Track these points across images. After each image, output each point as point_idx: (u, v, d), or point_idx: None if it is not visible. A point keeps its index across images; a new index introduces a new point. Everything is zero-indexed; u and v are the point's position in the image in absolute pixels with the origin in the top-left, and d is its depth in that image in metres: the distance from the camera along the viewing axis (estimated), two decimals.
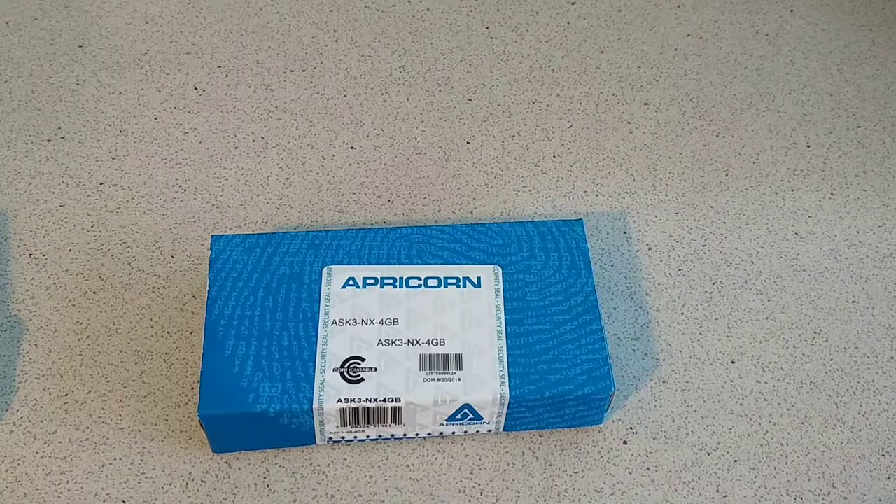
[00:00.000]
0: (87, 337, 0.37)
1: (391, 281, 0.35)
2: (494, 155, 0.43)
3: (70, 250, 0.40)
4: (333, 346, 0.34)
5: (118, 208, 0.42)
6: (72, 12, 0.50)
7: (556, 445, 0.35)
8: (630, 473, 0.34)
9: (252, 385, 0.32)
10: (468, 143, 0.44)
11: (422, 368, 0.33)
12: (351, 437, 0.34)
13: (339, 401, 0.32)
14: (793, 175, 0.43)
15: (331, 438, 0.34)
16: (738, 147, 0.43)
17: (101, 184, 0.42)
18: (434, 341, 0.34)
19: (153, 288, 0.39)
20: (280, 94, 0.46)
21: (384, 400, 0.32)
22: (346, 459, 0.34)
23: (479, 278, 0.35)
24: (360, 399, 0.32)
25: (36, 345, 0.37)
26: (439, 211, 0.41)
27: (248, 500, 0.33)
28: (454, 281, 0.35)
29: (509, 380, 0.33)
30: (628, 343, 0.37)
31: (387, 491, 0.34)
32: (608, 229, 0.41)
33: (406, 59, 0.47)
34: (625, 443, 0.35)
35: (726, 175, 0.43)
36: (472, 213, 0.41)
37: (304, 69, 0.47)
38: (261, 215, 0.41)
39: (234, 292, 0.35)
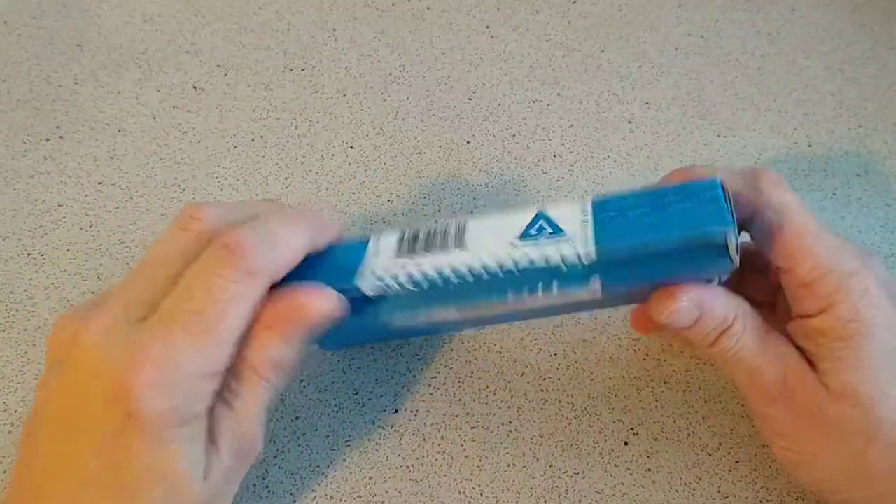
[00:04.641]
0: None
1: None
2: (494, 155, 0.43)
3: (68, 250, 0.40)
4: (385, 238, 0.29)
5: (117, 208, 0.41)
6: (70, 11, 0.49)
7: (556, 446, 0.34)
8: (631, 474, 0.34)
9: None
10: (468, 142, 0.44)
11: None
12: (403, 274, 0.28)
13: (399, 230, 0.29)
14: (794, 175, 0.42)
15: (376, 276, 0.28)
16: (739, 147, 0.43)
17: (99, 183, 0.42)
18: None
19: None
20: (279, 94, 0.46)
21: (447, 221, 0.28)
22: (345, 461, 0.34)
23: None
24: (419, 227, 0.29)
25: (34, 345, 0.37)
26: (439, 210, 0.41)
27: (248, 501, 0.33)
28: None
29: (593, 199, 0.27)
30: (629, 343, 0.37)
31: (386, 492, 0.34)
32: None
33: (406, 59, 0.47)
34: (626, 444, 0.34)
35: None
36: (471, 212, 0.41)
37: (303, 68, 0.47)
38: None
39: None
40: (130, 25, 0.49)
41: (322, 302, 0.28)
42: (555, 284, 0.27)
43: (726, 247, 0.25)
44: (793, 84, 0.46)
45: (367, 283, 0.28)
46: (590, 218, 0.27)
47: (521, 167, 0.43)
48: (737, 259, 0.26)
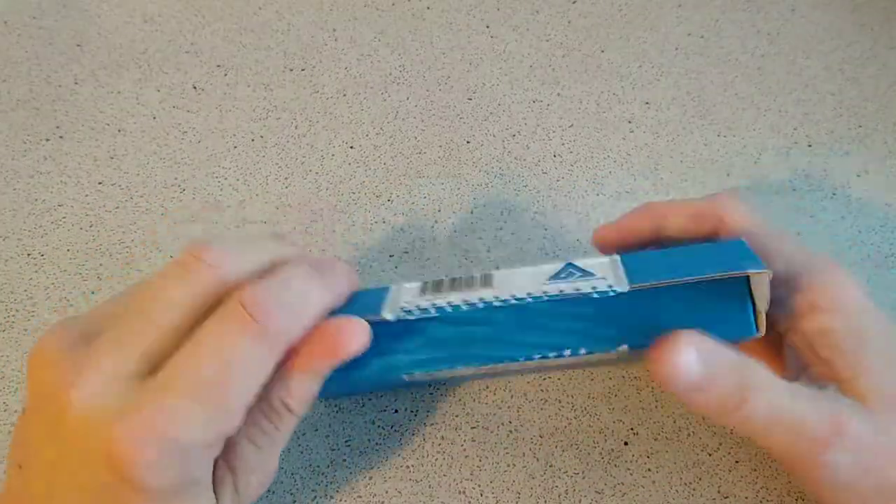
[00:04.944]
0: None
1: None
2: (494, 155, 0.43)
3: (68, 250, 0.40)
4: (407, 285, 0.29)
5: (117, 208, 0.41)
6: (70, 11, 0.49)
7: (556, 446, 0.34)
8: (631, 474, 0.34)
9: None
10: (468, 142, 0.44)
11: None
12: (427, 305, 0.27)
13: (421, 282, 0.28)
14: (794, 175, 0.42)
15: (403, 309, 0.27)
16: (739, 146, 0.43)
17: (99, 183, 0.42)
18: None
19: None
20: (279, 94, 0.46)
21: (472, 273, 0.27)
22: (345, 461, 0.34)
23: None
24: (443, 277, 0.28)
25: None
26: (439, 210, 0.41)
27: None
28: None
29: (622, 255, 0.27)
30: None
31: (386, 492, 0.34)
32: None
33: (406, 59, 0.47)
34: (626, 444, 0.34)
35: (728, 175, 0.43)
36: (471, 212, 0.41)
37: (303, 68, 0.47)
38: (260, 215, 0.41)
39: None
40: (130, 25, 0.49)
41: (359, 335, 0.26)
42: (582, 350, 0.27)
43: (751, 293, 0.26)
44: (793, 84, 0.46)
45: (392, 315, 0.27)
46: (619, 264, 0.27)
47: (521, 167, 0.43)
48: (763, 326, 0.26)
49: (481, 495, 0.33)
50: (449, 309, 0.27)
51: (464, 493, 0.33)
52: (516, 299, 0.26)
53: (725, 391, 0.25)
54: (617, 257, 0.28)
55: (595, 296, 0.26)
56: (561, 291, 0.26)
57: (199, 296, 0.25)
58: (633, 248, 0.32)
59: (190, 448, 0.23)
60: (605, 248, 0.33)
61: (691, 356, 0.25)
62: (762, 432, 0.26)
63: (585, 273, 0.27)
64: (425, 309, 0.27)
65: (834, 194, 0.42)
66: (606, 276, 0.26)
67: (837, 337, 0.27)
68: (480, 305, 0.26)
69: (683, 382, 0.25)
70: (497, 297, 0.26)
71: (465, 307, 0.26)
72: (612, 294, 0.26)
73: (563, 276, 0.27)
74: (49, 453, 0.24)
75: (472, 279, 0.28)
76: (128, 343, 0.24)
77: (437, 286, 0.28)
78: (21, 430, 0.26)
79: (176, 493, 0.23)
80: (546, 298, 0.26)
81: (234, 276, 0.25)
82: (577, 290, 0.26)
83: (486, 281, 0.27)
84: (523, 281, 0.27)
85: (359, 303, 0.28)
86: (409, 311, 0.27)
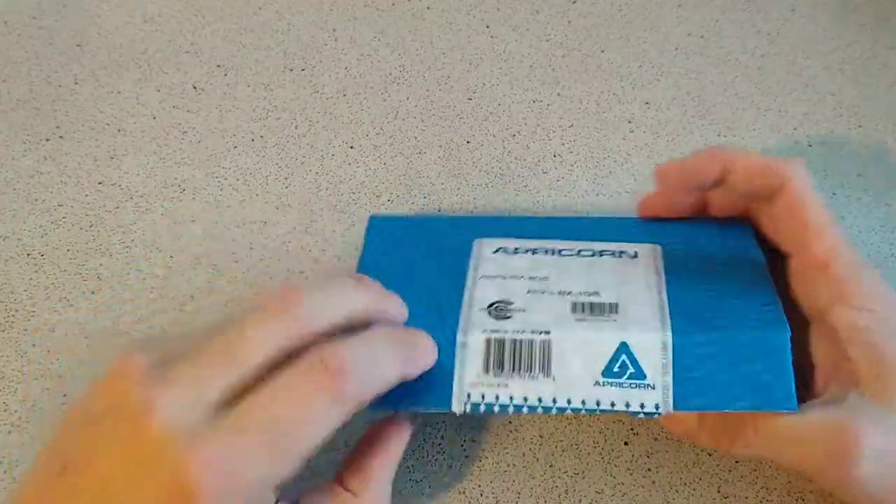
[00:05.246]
0: (86, 337, 0.37)
1: (543, 250, 0.33)
2: (494, 155, 0.43)
3: (68, 250, 0.40)
4: (480, 291, 0.31)
5: (117, 208, 0.41)
6: (70, 11, 0.49)
7: (556, 446, 0.34)
8: (631, 474, 0.34)
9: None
10: (468, 142, 0.44)
11: (573, 311, 0.30)
12: (492, 395, 0.29)
13: (485, 331, 0.30)
14: None
15: (469, 397, 0.29)
16: (739, 147, 0.43)
17: (99, 183, 0.42)
18: (587, 293, 0.31)
19: (152, 288, 0.39)
20: (279, 94, 0.46)
21: (532, 332, 0.30)
22: None
23: (636, 252, 0.33)
24: (506, 330, 0.30)
25: (34, 345, 0.37)
26: (439, 210, 0.41)
27: None
28: (610, 252, 0.33)
29: (671, 322, 0.30)
30: None
31: None
32: None
33: (406, 59, 0.47)
34: (626, 443, 0.34)
35: None
36: (471, 212, 0.41)
37: (303, 68, 0.47)
38: (260, 215, 0.41)
39: (385, 257, 0.34)
40: (130, 25, 0.49)
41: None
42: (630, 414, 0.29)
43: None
44: (793, 84, 0.46)
45: (459, 407, 0.29)
46: (670, 364, 0.29)
47: (521, 167, 0.43)
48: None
49: (481, 495, 0.33)
50: (511, 410, 0.29)
51: (464, 493, 0.33)
52: (572, 408, 0.29)
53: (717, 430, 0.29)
54: (669, 344, 0.29)
55: (641, 416, 0.29)
56: (612, 405, 0.29)
57: (284, 342, 0.26)
58: (688, 203, 0.34)
59: (252, 486, 0.24)
60: (663, 192, 0.34)
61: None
62: (773, 455, 0.28)
63: (637, 372, 0.29)
64: (490, 405, 0.29)
65: (834, 194, 0.42)
66: (655, 381, 0.29)
67: (865, 335, 0.27)
68: (540, 410, 0.29)
69: (680, 430, 0.29)
70: (555, 401, 0.29)
71: (526, 410, 0.29)
72: (656, 415, 0.29)
73: (616, 371, 0.29)
74: (112, 466, 0.24)
75: (532, 354, 0.29)
76: (212, 375, 0.25)
77: (500, 360, 0.29)
78: (76, 435, 0.25)
79: None
80: (599, 411, 0.29)
81: (320, 328, 0.26)
82: (627, 405, 0.29)
83: (545, 361, 0.29)
84: (578, 370, 0.29)
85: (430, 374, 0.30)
86: (477, 406, 0.29)
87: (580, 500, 0.33)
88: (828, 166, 0.43)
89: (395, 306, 0.30)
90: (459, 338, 0.30)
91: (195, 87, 0.46)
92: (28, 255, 0.40)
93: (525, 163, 0.43)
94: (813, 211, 0.29)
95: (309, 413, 0.25)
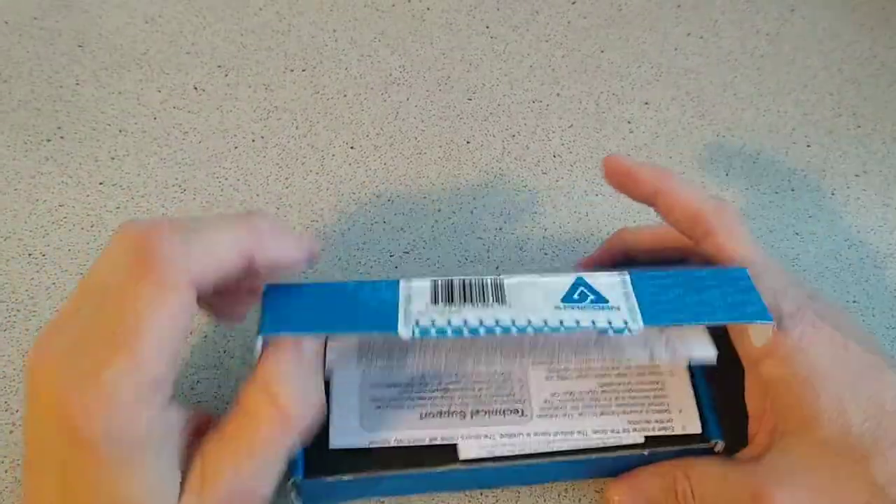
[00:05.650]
0: None
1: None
2: (494, 155, 0.43)
3: (69, 250, 0.40)
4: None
5: (118, 208, 0.42)
6: (71, 12, 0.50)
7: None
8: None
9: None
10: (468, 142, 0.44)
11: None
12: (443, 321, 0.26)
13: (431, 280, 0.27)
14: (793, 175, 0.43)
15: (417, 322, 0.26)
16: (738, 146, 0.43)
17: (100, 184, 0.42)
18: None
19: None
20: (280, 94, 0.46)
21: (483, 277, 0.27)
22: None
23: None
24: (453, 280, 0.27)
25: None
26: (439, 210, 0.41)
27: None
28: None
29: (630, 274, 0.27)
30: None
31: None
32: (609, 230, 0.41)
33: (406, 59, 0.47)
34: None
35: (727, 175, 0.43)
36: (471, 212, 0.41)
37: (303, 69, 0.47)
38: None
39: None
40: (132, 26, 0.49)
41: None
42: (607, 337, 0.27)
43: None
44: (792, 84, 0.46)
45: (407, 331, 0.26)
46: (630, 290, 0.27)
47: (521, 167, 0.43)
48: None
49: (481, 495, 0.33)
50: (467, 332, 0.26)
51: (464, 493, 0.34)
52: (534, 327, 0.26)
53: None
54: (627, 277, 0.28)
55: (611, 333, 0.26)
56: (577, 323, 0.26)
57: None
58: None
59: (117, 393, 0.23)
60: (600, 256, 0.36)
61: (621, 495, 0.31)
62: None
63: (598, 298, 0.27)
64: (442, 329, 0.26)
65: (833, 194, 0.42)
66: (619, 304, 0.26)
67: (784, 388, 0.27)
68: (498, 331, 0.26)
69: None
70: (514, 322, 0.26)
71: (482, 331, 0.26)
72: (627, 333, 0.26)
73: (576, 297, 0.27)
74: (26, 436, 0.25)
75: (484, 288, 0.27)
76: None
77: (449, 294, 0.27)
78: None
79: (125, 452, 0.23)
80: (563, 329, 0.26)
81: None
82: (594, 322, 0.26)
83: (499, 293, 0.27)
84: (536, 299, 0.26)
85: (372, 300, 0.27)
86: (426, 331, 0.26)
87: (580, 500, 0.33)
88: (827, 166, 0.43)
89: (291, 242, 0.27)
90: (402, 283, 0.27)
91: (196, 88, 0.46)
92: (29, 254, 0.40)
93: (525, 163, 0.43)
94: (737, 264, 0.29)
95: (131, 303, 0.24)
